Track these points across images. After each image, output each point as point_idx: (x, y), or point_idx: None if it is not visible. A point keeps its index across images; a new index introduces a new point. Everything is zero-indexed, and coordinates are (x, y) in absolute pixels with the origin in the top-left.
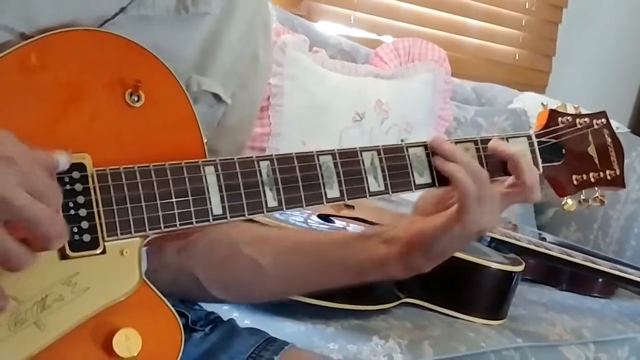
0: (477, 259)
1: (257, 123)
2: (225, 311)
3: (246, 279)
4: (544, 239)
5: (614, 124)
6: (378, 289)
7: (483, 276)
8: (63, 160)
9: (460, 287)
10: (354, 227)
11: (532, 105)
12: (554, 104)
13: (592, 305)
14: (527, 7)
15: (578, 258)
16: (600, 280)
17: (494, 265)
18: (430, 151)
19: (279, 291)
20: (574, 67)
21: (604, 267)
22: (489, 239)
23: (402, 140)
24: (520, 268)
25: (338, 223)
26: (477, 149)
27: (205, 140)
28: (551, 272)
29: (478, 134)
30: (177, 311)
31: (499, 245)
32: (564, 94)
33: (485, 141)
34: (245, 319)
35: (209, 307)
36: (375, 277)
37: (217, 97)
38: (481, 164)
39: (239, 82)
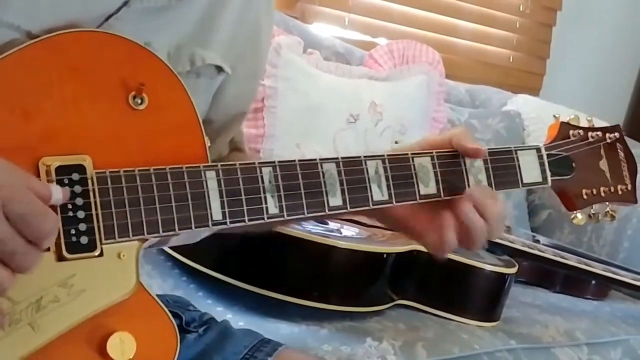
0: (470, 261)
1: (251, 124)
2: (219, 312)
3: None
4: (537, 241)
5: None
6: (372, 290)
7: (477, 278)
8: (56, 193)
9: (454, 289)
10: (347, 229)
11: (526, 108)
12: (551, 108)
13: (586, 307)
14: (521, 9)
15: (571, 260)
16: (594, 282)
17: (488, 267)
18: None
19: None
20: (568, 69)
21: (597, 269)
22: None
23: (395, 142)
24: (513, 270)
25: (332, 225)
26: (485, 161)
27: (208, 145)
28: (545, 274)
29: (472, 136)
30: (170, 312)
31: (492, 247)
32: (558, 96)
33: (493, 153)
34: (239, 321)
35: (203, 308)
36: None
37: (218, 68)
38: (488, 176)
39: (238, 54)
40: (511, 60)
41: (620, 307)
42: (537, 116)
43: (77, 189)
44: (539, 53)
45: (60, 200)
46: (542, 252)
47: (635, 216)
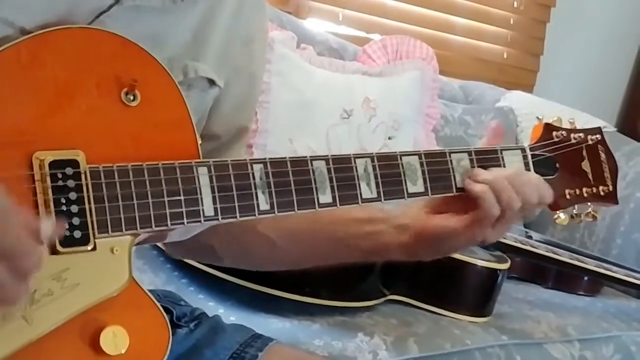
0: (463, 257)
1: None
2: (210, 307)
3: (259, 253)
4: (530, 237)
5: (601, 123)
6: (364, 285)
7: (469, 273)
8: (46, 227)
9: (446, 284)
10: None
11: (519, 104)
12: (545, 105)
13: (578, 303)
14: (515, 6)
15: (564, 256)
16: (586, 278)
17: (480, 263)
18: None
19: (289, 264)
20: (562, 66)
21: (590, 265)
22: None
23: (389, 138)
24: (506, 266)
25: None
26: (471, 160)
27: (199, 142)
28: (537, 270)
29: (465, 132)
30: (162, 307)
31: None
32: (551, 93)
33: (479, 152)
34: (230, 316)
35: (194, 303)
36: (379, 259)
37: (210, 81)
38: None
39: (232, 67)
40: (505, 56)
41: (612, 303)
42: (530, 113)
43: (71, 183)
44: (533, 50)
45: (48, 235)
46: (535, 248)
47: (627, 213)
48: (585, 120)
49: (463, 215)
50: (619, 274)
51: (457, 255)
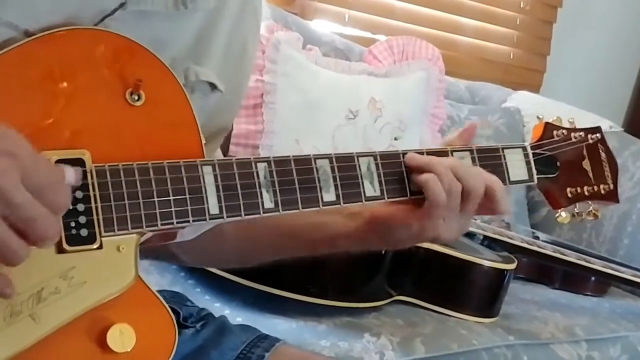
0: (469, 257)
1: (250, 120)
2: (216, 308)
3: (210, 245)
4: (537, 238)
5: (608, 122)
6: (370, 286)
7: (475, 274)
8: (70, 173)
9: (453, 284)
10: None
11: (526, 104)
12: (551, 105)
13: (585, 304)
14: (521, 6)
15: (571, 256)
16: (593, 278)
17: (487, 263)
18: (407, 169)
19: (240, 258)
20: (569, 66)
21: (597, 265)
22: (481, 237)
23: (395, 139)
24: (512, 266)
25: None
26: (473, 159)
27: (204, 142)
28: (544, 270)
29: None
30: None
31: (491, 243)
32: (558, 93)
33: (481, 150)
34: (236, 316)
35: (200, 303)
36: (328, 250)
37: (212, 85)
38: None
39: (231, 70)
40: (512, 57)
41: (619, 303)
42: (536, 113)
43: None
44: (539, 50)
45: (72, 182)
46: (542, 248)
47: (635, 213)
48: (592, 121)
49: (414, 207)
50: (626, 274)
51: (463, 256)
